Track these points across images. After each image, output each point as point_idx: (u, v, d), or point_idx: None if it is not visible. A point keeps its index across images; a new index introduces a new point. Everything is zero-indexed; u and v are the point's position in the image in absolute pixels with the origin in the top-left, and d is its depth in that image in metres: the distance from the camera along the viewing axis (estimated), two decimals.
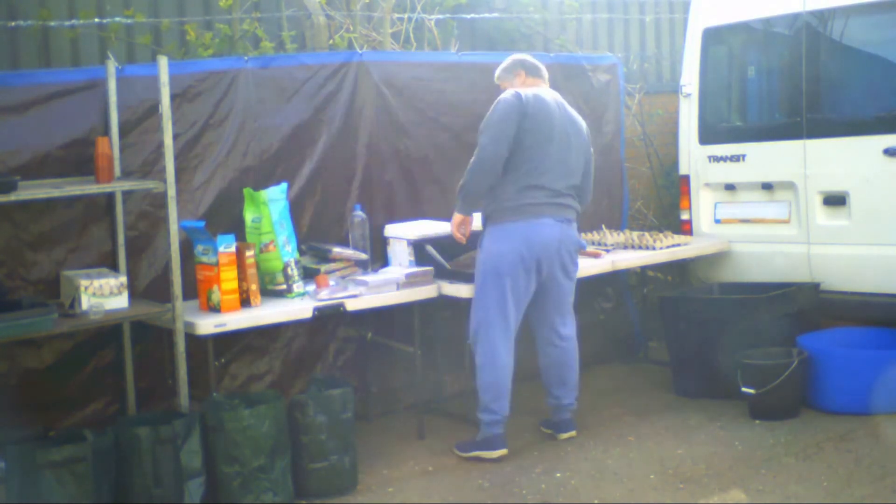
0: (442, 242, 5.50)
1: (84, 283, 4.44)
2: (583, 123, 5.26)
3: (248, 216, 5.11)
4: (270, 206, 5.04)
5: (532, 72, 5.23)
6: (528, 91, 5.06)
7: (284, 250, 5.06)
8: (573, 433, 5.29)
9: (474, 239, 5.24)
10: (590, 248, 6.16)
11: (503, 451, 5.04)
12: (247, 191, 5.13)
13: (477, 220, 5.25)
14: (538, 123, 4.98)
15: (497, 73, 5.32)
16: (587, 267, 5.85)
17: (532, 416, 5.63)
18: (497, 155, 4.92)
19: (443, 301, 5.39)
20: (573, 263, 5.18)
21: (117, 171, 4.75)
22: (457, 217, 5.15)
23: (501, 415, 5.05)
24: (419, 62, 6.05)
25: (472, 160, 5.00)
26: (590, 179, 5.29)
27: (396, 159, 5.85)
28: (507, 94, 5.03)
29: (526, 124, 4.95)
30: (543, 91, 5.14)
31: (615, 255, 6.11)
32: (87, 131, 4.79)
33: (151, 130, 4.89)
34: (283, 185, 5.15)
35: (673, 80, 7.95)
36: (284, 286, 5.06)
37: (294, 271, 5.08)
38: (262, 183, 5.21)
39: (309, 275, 5.26)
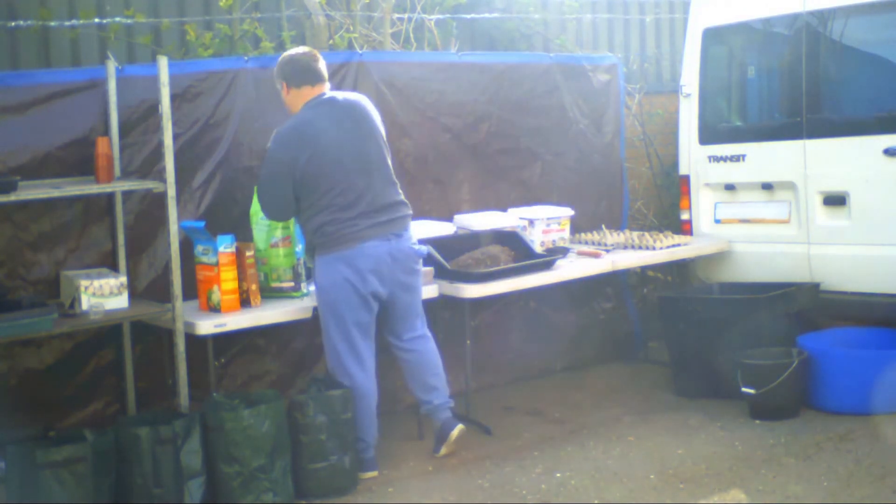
0: (442, 242, 5.50)
1: (84, 283, 4.44)
2: (366, 106, 4.86)
3: (259, 213, 5.06)
4: None
5: (313, 79, 4.80)
6: (296, 123, 4.70)
7: (297, 248, 5.06)
8: (461, 427, 5.02)
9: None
10: (590, 249, 6.17)
11: (374, 473, 4.87)
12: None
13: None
14: (319, 157, 4.65)
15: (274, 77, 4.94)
16: (587, 267, 5.86)
17: (532, 417, 5.64)
18: (282, 202, 4.71)
19: (443, 301, 5.39)
20: (412, 275, 4.92)
21: (117, 171, 4.75)
22: None
23: (370, 441, 4.89)
24: (419, 62, 6.05)
25: (259, 181, 4.80)
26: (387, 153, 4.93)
27: (396, 159, 5.82)
28: (273, 147, 4.71)
29: (307, 168, 4.64)
30: (313, 111, 4.74)
31: (615, 255, 6.11)
32: (87, 131, 4.79)
33: (151, 130, 4.89)
34: None
35: (673, 80, 7.95)
36: (293, 283, 5.05)
37: (302, 270, 5.08)
38: None
39: (309, 275, 5.26)
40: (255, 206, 5.09)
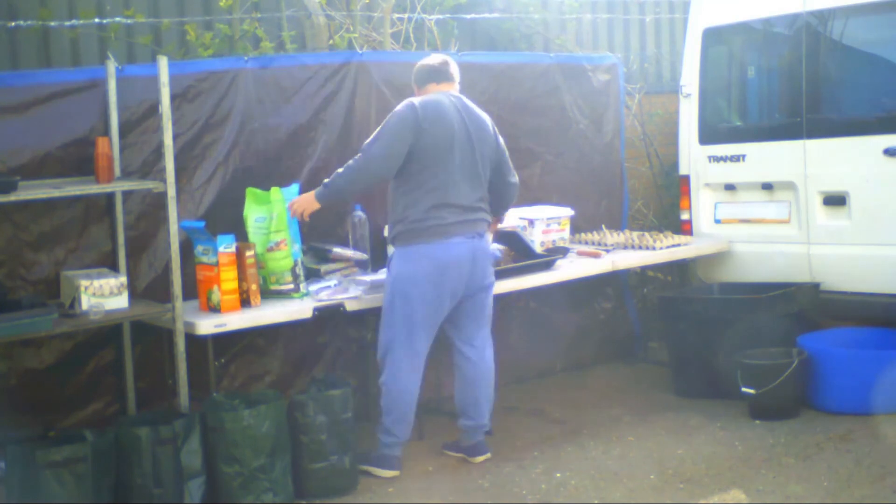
0: None
1: (84, 283, 4.44)
2: (487, 121, 4.99)
3: (252, 216, 5.08)
4: (285, 205, 5.00)
5: (438, 77, 4.97)
6: (425, 99, 4.83)
7: (293, 249, 5.06)
8: (488, 455, 5.03)
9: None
10: (590, 249, 6.17)
11: (395, 473, 4.85)
12: (250, 190, 5.11)
13: None
14: (437, 137, 4.75)
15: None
16: (587, 267, 5.86)
17: (533, 417, 5.64)
18: (385, 170, 4.75)
19: None
20: (488, 277, 4.97)
21: (117, 171, 4.75)
22: (308, 198, 4.88)
23: (401, 439, 4.87)
24: None
25: (354, 161, 4.78)
26: (509, 178, 5.09)
27: None
28: (401, 107, 4.80)
29: (424, 139, 4.73)
30: (443, 97, 4.88)
31: (615, 255, 6.11)
32: (87, 131, 4.79)
33: (151, 130, 4.89)
34: (295, 186, 5.13)
35: (673, 80, 7.95)
36: (292, 285, 5.05)
37: (301, 271, 5.08)
38: (262, 183, 5.20)
39: (309, 275, 5.26)
40: (248, 209, 5.10)
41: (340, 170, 4.84)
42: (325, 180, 4.90)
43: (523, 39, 7.45)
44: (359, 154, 4.81)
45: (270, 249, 5.02)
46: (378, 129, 4.82)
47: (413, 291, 4.76)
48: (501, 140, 5.10)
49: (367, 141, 4.82)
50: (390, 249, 5.00)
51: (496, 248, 5.05)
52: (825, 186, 6.00)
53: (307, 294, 5.05)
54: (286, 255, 5.03)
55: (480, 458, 5.03)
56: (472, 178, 4.89)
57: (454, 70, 5.04)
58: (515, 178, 5.18)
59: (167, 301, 4.59)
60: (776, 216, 6.27)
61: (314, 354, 5.56)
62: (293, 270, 5.05)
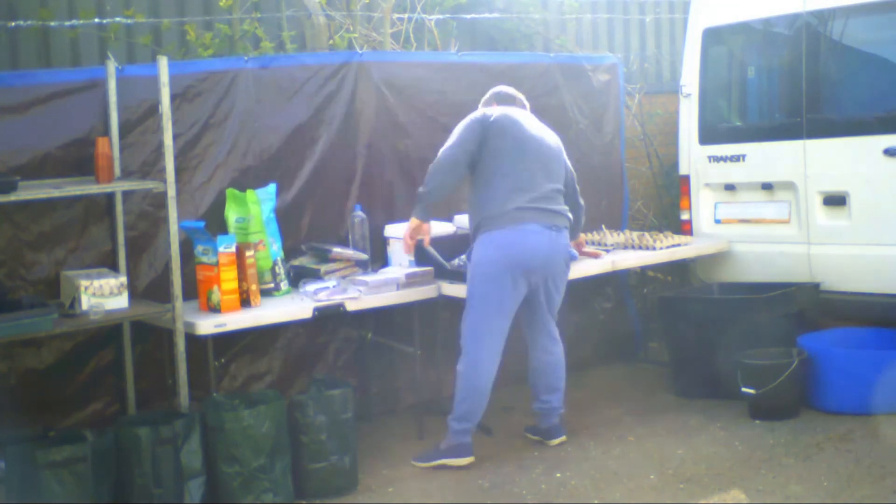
0: (442, 242, 5.50)
1: (84, 283, 4.44)
2: (558, 141, 5.21)
3: (232, 216, 5.12)
4: (262, 206, 5.06)
5: (504, 100, 5.23)
6: (495, 110, 5.07)
7: (272, 249, 5.09)
8: (564, 437, 5.23)
9: (419, 252, 5.22)
10: (590, 249, 6.17)
11: (471, 459, 4.96)
12: (230, 191, 5.15)
13: (436, 228, 5.19)
14: (506, 133, 4.95)
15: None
16: (587, 267, 5.86)
17: (532, 418, 5.62)
18: (455, 157, 4.90)
19: (443, 301, 5.39)
20: (563, 276, 5.11)
21: (117, 171, 4.75)
22: (413, 222, 5.00)
23: (473, 423, 4.99)
24: (419, 62, 6.05)
25: (431, 167, 4.97)
26: (577, 197, 5.31)
27: (396, 159, 5.85)
28: (473, 113, 5.07)
29: (493, 132, 4.92)
30: (513, 110, 5.11)
31: (615, 255, 6.10)
32: (87, 131, 4.79)
33: (151, 130, 4.89)
34: (272, 186, 5.18)
35: (673, 80, 7.95)
36: (272, 284, 5.08)
37: (281, 269, 5.12)
38: (262, 183, 5.21)
39: (309, 275, 5.27)
40: (229, 209, 5.12)
41: (426, 178, 4.99)
42: (419, 192, 5.02)
43: (523, 39, 7.45)
44: (435, 160, 4.97)
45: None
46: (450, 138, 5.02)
47: (491, 276, 4.89)
48: (573, 171, 5.31)
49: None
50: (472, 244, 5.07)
51: (574, 250, 5.28)
52: (825, 186, 6.01)
53: (287, 293, 5.10)
54: (265, 255, 5.07)
55: (556, 441, 5.19)
56: (547, 172, 5.03)
57: (520, 99, 5.28)
58: (582, 202, 5.37)
59: (167, 301, 4.59)
60: (776, 216, 6.27)
61: (314, 354, 5.56)
62: (272, 270, 5.09)
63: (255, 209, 5.05)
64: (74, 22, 5.79)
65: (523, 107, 5.26)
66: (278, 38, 6.27)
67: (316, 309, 4.89)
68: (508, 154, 4.94)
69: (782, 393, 5.36)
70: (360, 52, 5.78)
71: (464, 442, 4.98)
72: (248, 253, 4.87)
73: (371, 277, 5.20)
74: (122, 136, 4.85)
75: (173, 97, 4.70)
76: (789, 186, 6.17)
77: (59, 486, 4.05)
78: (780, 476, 4.66)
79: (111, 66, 4.81)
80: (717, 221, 6.57)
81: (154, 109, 4.67)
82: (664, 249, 6.24)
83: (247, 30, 6.18)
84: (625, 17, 8.21)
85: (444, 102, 6.02)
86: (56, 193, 4.40)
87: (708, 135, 6.58)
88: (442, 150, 4.97)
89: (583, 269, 5.85)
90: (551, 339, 5.20)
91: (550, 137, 5.16)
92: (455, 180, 4.99)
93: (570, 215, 5.15)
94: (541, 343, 5.20)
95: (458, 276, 5.34)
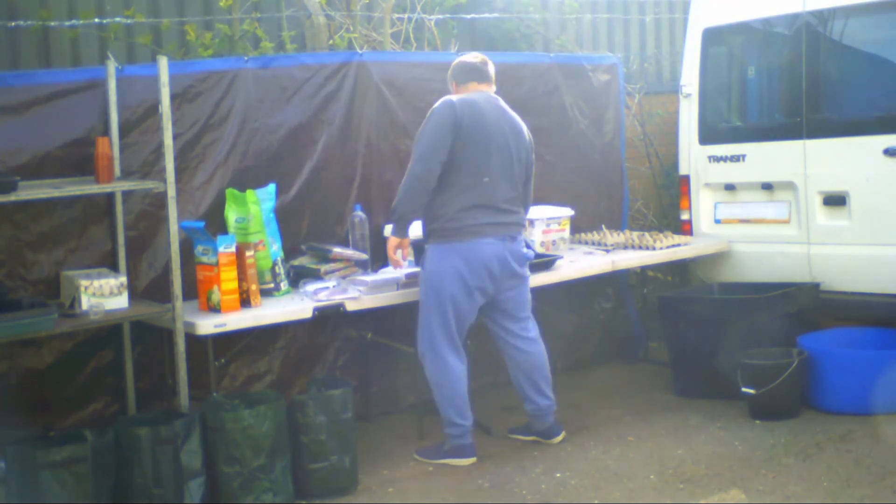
0: None
1: (84, 283, 4.44)
2: (523, 126, 5.09)
3: (232, 216, 5.12)
4: (261, 206, 5.05)
5: (466, 77, 5.06)
6: (463, 98, 4.91)
7: (272, 249, 5.09)
8: (563, 434, 5.23)
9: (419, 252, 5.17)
10: (590, 249, 6.17)
11: (473, 460, 4.98)
12: (230, 191, 5.14)
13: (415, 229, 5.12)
14: (474, 136, 4.83)
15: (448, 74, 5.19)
16: (587, 267, 5.86)
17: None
18: (428, 172, 4.78)
19: None
20: (520, 275, 5.05)
21: (117, 171, 4.75)
22: (392, 240, 4.95)
23: (468, 425, 5.00)
24: (419, 62, 6.04)
25: (404, 183, 4.85)
26: (529, 188, 5.16)
27: (396, 159, 5.85)
28: (438, 105, 4.87)
29: (461, 137, 4.80)
30: (480, 97, 4.97)
31: (615, 255, 6.11)
32: (87, 131, 4.79)
33: (151, 130, 4.89)
34: (272, 187, 5.17)
35: (673, 80, 7.95)
36: (272, 284, 5.08)
37: (281, 269, 5.11)
38: (262, 183, 5.20)
39: (309, 275, 5.27)
40: (229, 209, 5.12)
41: (397, 196, 4.90)
42: (392, 209, 4.96)
43: (523, 39, 7.45)
44: (406, 172, 4.87)
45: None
46: (418, 134, 4.89)
47: (445, 287, 4.87)
48: (533, 156, 5.20)
49: (413, 150, 4.88)
50: (425, 247, 5.02)
51: (529, 250, 5.18)
52: (825, 186, 6.01)
53: (287, 293, 5.09)
54: (265, 255, 5.06)
55: (557, 439, 5.19)
56: (508, 179, 4.97)
57: (493, 71, 5.13)
58: (529, 200, 5.29)
59: (167, 301, 4.59)
60: (776, 216, 6.27)
61: (314, 354, 5.56)
62: (272, 270, 5.09)
63: (255, 209, 5.05)
64: (74, 22, 5.79)
65: (487, 79, 5.07)
66: (278, 38, 6.27)
67: (316, 309, 4.89)
68: (473, 164, 4.85)
69: (782, 393, 5.36)
70: (360, 52, 5.78)
71: (464, 443, 4.99)
72: (248, 253, 4.87)
73: (371, 277, 5.20)
74: (122, 136, 4.85)
75: (173, 97, 4.70)
76: (789, 186, 6.17)
77: (59, 486, 4.05)
78: (780, 476, 4.66)
79: (111, 66, 4.81)
80: (717, 221, 6.57)
81: (154, 109, 4.67)
82: (664, 249, 6.24)
83: (247, 30, 6.18)
84: (625, 17, 8.21)
85: None
86: (56, 193, 4.40)
87: (708, 135, 6.58)
88: (414, 163, 4.83)
89: (583, 269, 5.86)
90: (526, 339, 5.13)
91: (514, 128, 5.00)
92: (427, 196, 4.88)
93: (525, 218, 5.13)
94: (511, 343, 5.14)
95: None
